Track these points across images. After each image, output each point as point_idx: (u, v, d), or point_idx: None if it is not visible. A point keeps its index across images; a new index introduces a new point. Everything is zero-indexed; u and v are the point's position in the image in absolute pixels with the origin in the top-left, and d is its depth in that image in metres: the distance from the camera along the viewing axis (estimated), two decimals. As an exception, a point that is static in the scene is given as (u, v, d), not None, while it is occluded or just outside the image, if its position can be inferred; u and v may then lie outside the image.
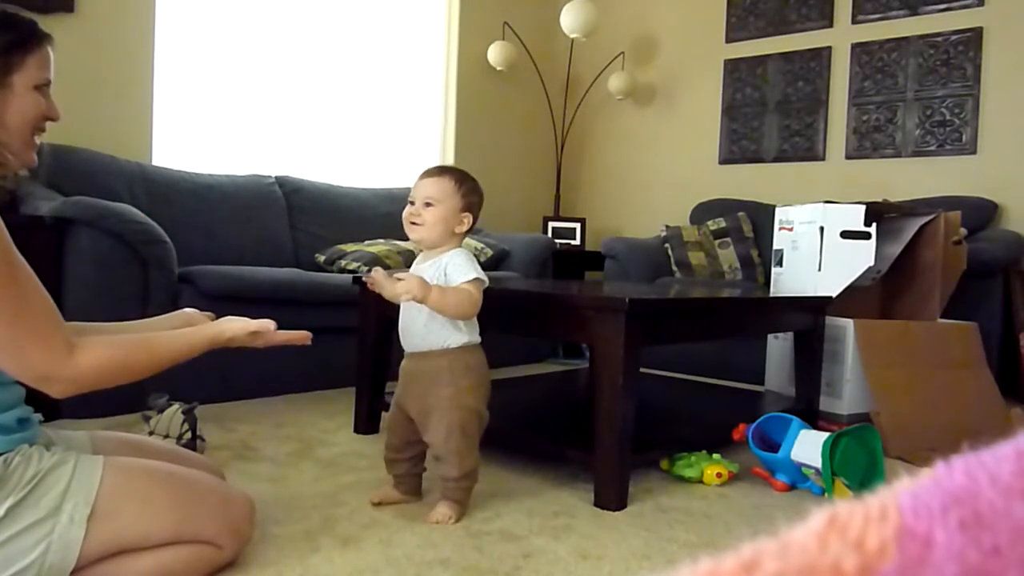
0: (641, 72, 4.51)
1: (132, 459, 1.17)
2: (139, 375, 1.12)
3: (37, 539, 1.01)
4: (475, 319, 1.53)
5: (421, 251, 1.57)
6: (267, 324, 1.25)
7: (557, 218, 4.40)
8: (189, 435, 1.73)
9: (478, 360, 1.54)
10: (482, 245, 3.51)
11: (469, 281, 1.46)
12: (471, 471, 1.50)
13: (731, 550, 0.22)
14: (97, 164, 2.65)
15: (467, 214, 1.52)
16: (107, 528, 1.05)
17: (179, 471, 1.19)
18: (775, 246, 2.74)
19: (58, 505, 1.03)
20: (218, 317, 1.32)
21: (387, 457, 1.60)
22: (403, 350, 1.56)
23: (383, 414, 2.21)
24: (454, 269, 1.48)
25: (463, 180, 1.52)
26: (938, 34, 3.52)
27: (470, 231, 1.55)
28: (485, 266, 3.49)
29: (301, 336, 1.31)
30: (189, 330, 1.21)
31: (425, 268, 1.51)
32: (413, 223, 1.50)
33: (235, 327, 1.23)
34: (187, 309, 1.39)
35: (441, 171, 1.54)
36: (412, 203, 1.51)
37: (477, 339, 1.54)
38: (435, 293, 1.41)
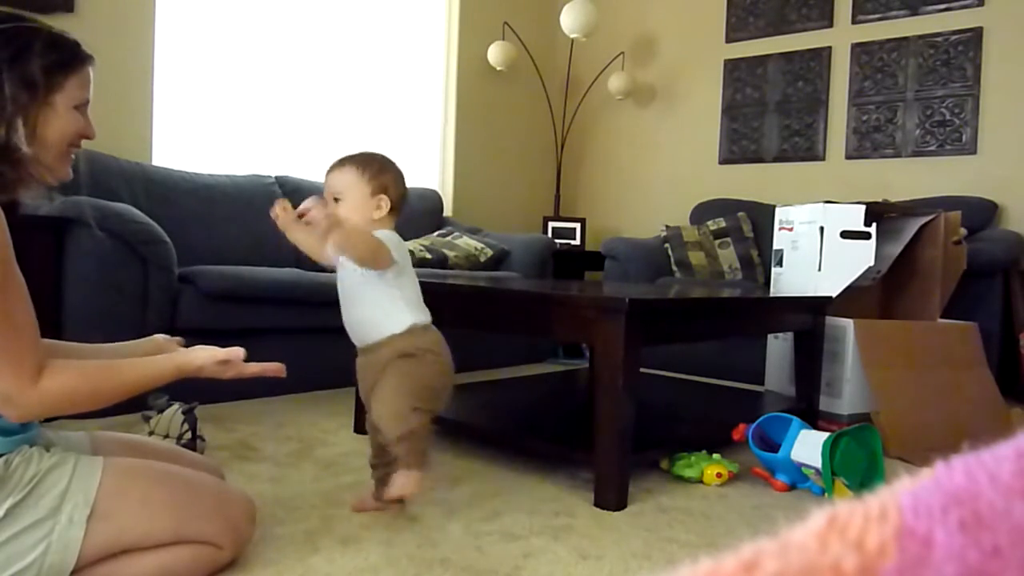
0: (641, 72, 4.51)
1: (132, 460, 1.17)
2: (105, 402, 1.10)
3: (37, 539, 1.01)
4: (421, 302, 1.49)
5: None
6: (237, 353, 1.21)
7: (557, 218, 4.40)
8: (189, 435, 1.73)
9: (429, 339, 1.46)
10: (482, 245, 3.51)
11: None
12: (414, 429, 1.39)
13: (731, 550, 0.22)
14: (97, 164, 2.65)
15: (381, 196, 1.44)
16: (107, 528, 1.05)
17: (179, 471, 1.19)
18: (775, 246, 2.74)
19: (58, 506, 1.03)
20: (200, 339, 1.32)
21: (370, 462, 1.57)
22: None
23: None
24: None
25: (366, 164, 1.45)
26: (938, 34, 3.52)
27: (395, 211, 1.48)
28: (485, 266, 3.53)
29: (275, 368, 1.27)
30: (158, 358, 1.18)
31: (346, 261, 1.45)
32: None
33: (203, 356, 1.19)
34: (157, 336, 1.36)
35: (341, 162, 1.46)
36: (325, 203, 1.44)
37: (425, 318, 1.48)
38: (342, 228, 1.32)
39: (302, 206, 1.33)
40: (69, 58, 1.10)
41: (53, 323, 2.13)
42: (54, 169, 1.12)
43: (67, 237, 2.20)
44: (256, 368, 1.25)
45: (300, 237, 1.45)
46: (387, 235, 1.42)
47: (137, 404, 1.85)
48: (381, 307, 1.44)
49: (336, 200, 1.44)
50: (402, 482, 1.40)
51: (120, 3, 2.90)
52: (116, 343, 1.33)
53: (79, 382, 1.06)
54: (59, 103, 1.09)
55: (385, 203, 1.45)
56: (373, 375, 1.45)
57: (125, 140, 2.92)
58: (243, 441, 2.01)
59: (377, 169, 1.45)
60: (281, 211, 1.42)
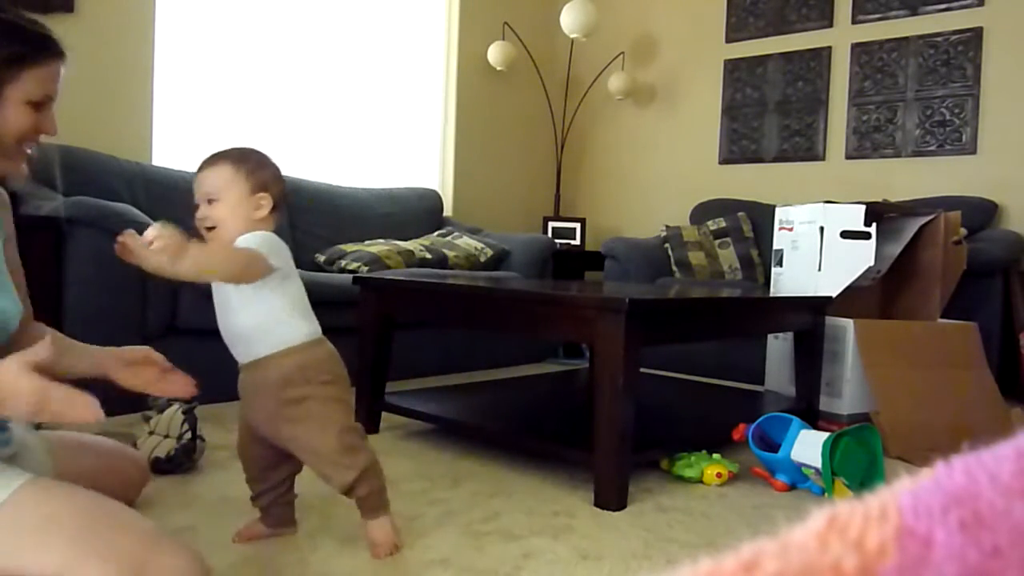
0: (641, 72, 4.51)
1: (51, 488, 1.01)
2: None
3: None
4: (309, 309, 1.34)
5: None
6: (42, 351, 0.95)
7: (557, 218, 4.40)
8: (189, 435, 1.73)
9: (327, 352, 1.32)
10: (482, 245, 3.51)
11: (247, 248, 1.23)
12: (368, 466, 1.27)
13: (731, 550, 0.22)
14: (97, 164, 2.65)
15: (262, 194, 1.29)
16: None
17: (92, 506, 1.01)
18: (775, 246, 2.74)
19: None
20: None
21: (250, 489, 1.37)
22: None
23: (382, 414, 2.21)
24: (237, 245, 1.25)
25: (242, 159, 1.30)
26: (938, 34, 3.52)
27: (277, 210, 1.32)
28: (485, 266, 3.53)
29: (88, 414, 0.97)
30: None
31: None
32: (207, 228, 1.28)
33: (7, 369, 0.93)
34: (138, 350, 1.25)
35: (213, 159, 1.30)
36: (197, 205, 1.29)
37: (318, 330, 1.33)
38: (194, 251, 1.12)
39: (146, 234, 1.10)
40: (29, 51, 1.03)
41: (53, 323, 2.13)
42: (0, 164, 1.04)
43: (67, 237, 2.20)
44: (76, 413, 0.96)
45: (156, 263, 1.16)
46: (262, 239, 1.25)
47: (137, 404, 1.85)
48: (265, 318, 1.26)
49: (210, 202, 1.27)
50: (380, 535, 1.29)
51: (120, 3, 2.90)
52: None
53: None
54: (10, 96, 1.02)
55: (267, 201, 1.30)
56: (269, 399, 1.26)
57: (125, 140, 2.92)
58: (243, 441, 2.01)
59: (255, 164, 1.31)
60: (129, 239, 1.15)
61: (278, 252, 1.27)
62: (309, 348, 1.29)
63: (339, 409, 1.28)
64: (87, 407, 0.97)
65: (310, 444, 1.26)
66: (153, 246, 1.10)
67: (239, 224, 1.27)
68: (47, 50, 1.06)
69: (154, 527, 1.03)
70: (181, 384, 1.25)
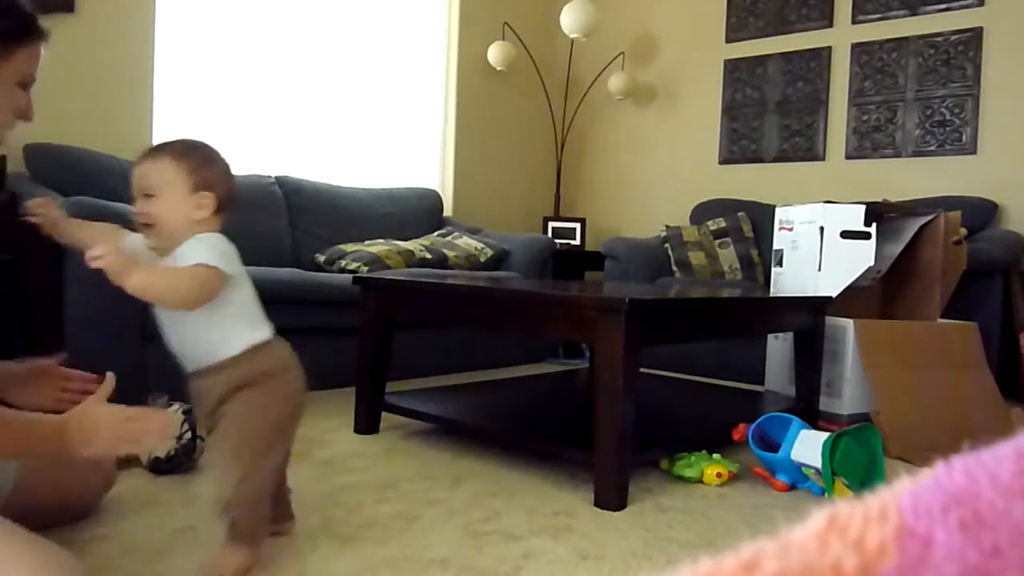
0: (641, 72, 4.51)
1: None
2: None
3: None
4: (259, 312, 1.26)
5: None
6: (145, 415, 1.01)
7: (557, 218, 4.40)
8: (189, 435, 1.73)
9: (274, 358, 1.23)
10: (482, 245, 3.51)
11: (198, 264, 1.13)
12: (253, 496, 1.17)
13: (731, 550, 0.22)
14: (97, 164, 2.65)
15: (204, 193, 1.19)
16: None
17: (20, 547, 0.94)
18: (775, 246, 2.74)
19: None
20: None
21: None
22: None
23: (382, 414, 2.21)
24: (183, 254, 1.15)
25: (185, 154, 1.20)
26: (938, 34, 3.52)
27: (222, 210, 1.23)
28: (485, 266, 3.53)
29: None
30: (43, 423, 0.95)
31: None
32: (145, 224, 1.19)
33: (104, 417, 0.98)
34: (40, 362, 1.17)
35: (154, 151, 1.21)
36: (134, 199, 1.21)
37: (265, 334, 1.24)
38: (140, 274, 1.06)
39: (88, 255, 1.03)
40: (23, 28, 1.00)
41: (54, 323, 2.13)
42: None
43: (67, 237, 2.20)
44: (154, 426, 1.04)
45: (80, 235, 1.15)
46: (211, 247, 1.16)
47: (138, 404, 1.85)
48: (212, 327, 1.19)
49: (148, 196, 1.18)
50: (225, 563, 1.16)
51: (120, 3, 2.90)
52: None
53: None
54: (2, 74, 0.99)
55: (209, 200, 1.19)
56: (210, 404, 1.21)
57: (125, 140, 2.92)
58: (243, 441, 2.01)
59: (199, 161, 1.21)
60: (43, 205, 1.13)
61: (229, 259, 1.19)
62: (255, 356, 1.20)
63: (259, 427, 1.18)
64: (162, 422, 1.01)
65: (217, 446, 1.19)
66: (94, 264, 1.02)
67: (178, 224, 1.18)
68: (37, 28, 1.03)
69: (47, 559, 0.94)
70: (98, 394, 1.11)
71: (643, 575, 1.28)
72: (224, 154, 1.26)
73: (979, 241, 2.96)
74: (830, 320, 2.40)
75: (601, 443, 1.62)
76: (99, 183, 2.60)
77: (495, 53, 4.22)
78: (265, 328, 1.25)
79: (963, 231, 2.68)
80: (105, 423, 0.96)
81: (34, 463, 1.25)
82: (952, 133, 3.49)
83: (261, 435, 1.19)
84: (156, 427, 1.03)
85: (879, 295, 2.72)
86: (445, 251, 3.36)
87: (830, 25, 3.84)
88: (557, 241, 4.10)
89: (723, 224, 3.83)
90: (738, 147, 4.15)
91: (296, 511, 1.42)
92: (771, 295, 2.53)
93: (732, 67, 4.16)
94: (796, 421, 1.82)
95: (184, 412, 1.74)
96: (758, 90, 4.07)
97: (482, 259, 3.46)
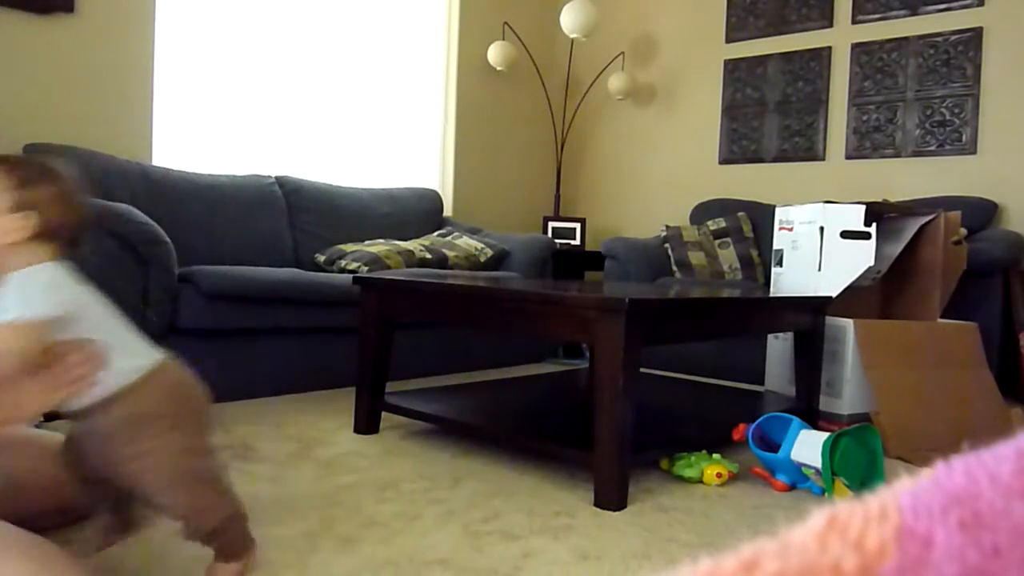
0: (641, 72, 4.51)
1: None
2: None
3: None
4: (131, 338, 1.12)
5: None
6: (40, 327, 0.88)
7: (557, 218, 4.40)
8: (189, 435, 1.73)
9: (167, 388, 1.09)
10: (482, 245, 3.51)
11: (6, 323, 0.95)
12: (231, 515, 1.11)
13: (731, 550, 0.22)
14: (97, 164, 2.65)
15: (26, 213, 1.00)
16: None
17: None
18: (775, 246, 2.74)
19: None
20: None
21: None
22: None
23: (382, 414, 2.21)
24: (7, 305, 0.97)
25: (13, 168, 1.03)
26: (938, 34, 3.52)
27: (59, 239, 1.06)
28: (485, 266, 3.53)
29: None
30: None
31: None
32: None
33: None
34: None
35: None
36: None
37: (153, 359, 1.10)
38: None
39: None
40: None
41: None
42: None
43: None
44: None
45: None
46: (37, 301, 0.98)
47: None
48: None
49: None
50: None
51: (120, 3, 2.90)
52: None
53: None
54: None
55: (30, 223, 1.01)
56: (101, 445, 1.06)
57: (125, 140, 2.92)
58: (243, 441, 2.01)
59: (29, 176, 1.03)
60: None
61: (54, 291, 1.01)
62: (141, 388, 1.06)
63: (181, 462, 1.07)
64: (86, 355, 0.94)
65: (158, 496, 1.07)
66: None
67: None
68: None
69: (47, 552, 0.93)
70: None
71: (643, 575, 1.28)
72: (81, 181, 1.11)
73: (979, 241, 2.96)
74: (830, 320, 2.40)
75: (601, 443, 1.62)
76: (99, 183, 2.60)
77: (495, 53, 4.22)
78: (138, 358, 1.09)
79: (963, 231, 2.68)
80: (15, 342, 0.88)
81: (24, 461, 1.25)
82: (952, 133, 3.49)
83: (195, 457, 1.10)
84: (78, 369, 0.94)
85: (879, 295, 2.72)
86: (445, 251, 3.36)
87: (830, 25, 3.84)
88: (557, 241, 4.10)
89: (723, 224, 3.83)
90: (738, 147, 4.15)
91: (296, 511, 1.42)
92: (771, 295, 2.52)
93: (732, 67, 4.16)
94: (796, 421, 1.82)
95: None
96: (758, 90, 4.07)
97: (482, 259, 3.46)
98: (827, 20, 3.84)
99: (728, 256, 3.75)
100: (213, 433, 1.17)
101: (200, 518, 1.08)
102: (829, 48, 3.84)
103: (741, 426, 1.89)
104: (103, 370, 1.03)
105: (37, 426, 1.25)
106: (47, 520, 1.27)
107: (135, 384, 1.06)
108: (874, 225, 2.49)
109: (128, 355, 1.08)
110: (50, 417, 1.28)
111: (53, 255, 1.05)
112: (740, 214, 3.85)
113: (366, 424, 2.15)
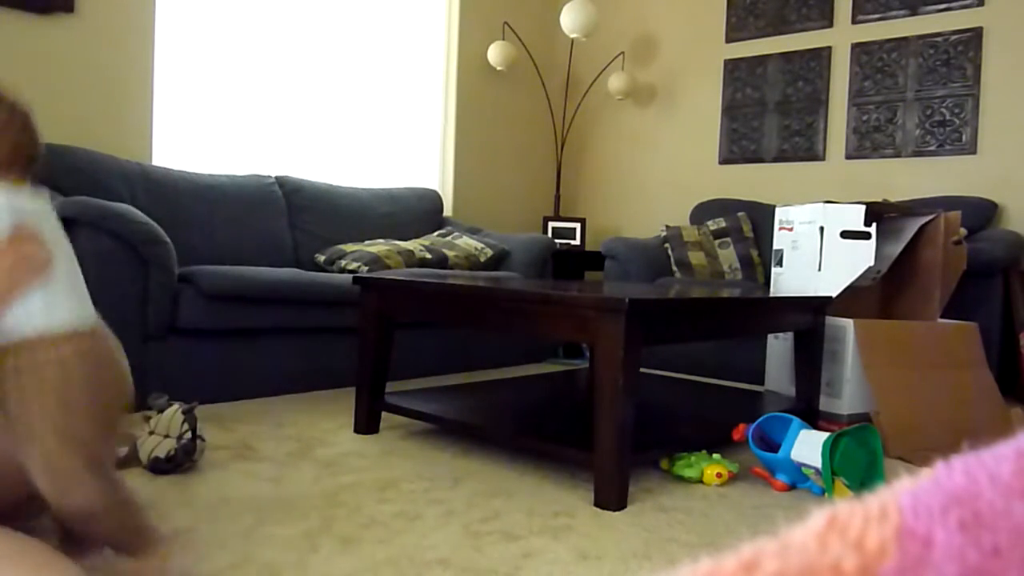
0: (641, 72, 4.51)
1: None
2: None
3: None
4: (81, 284, 1.04)
5: None
6: None
7: (557, 218, 4.40)
8: (189, 435, 1.73)
9: (98, 352, 1.02)
10: (482, 245, 3.51)
11: None
12: (110, 504, 1.01)
13: (731, 550, 0.22)
14: (97, 164, 2.65)
15: None
16: None
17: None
18: (775, 246, 2.74)
19: None
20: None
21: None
22: None
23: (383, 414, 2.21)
24: None
25: None
26: (938, 34, 3.52)
27: (15, 166, 1.01)
28: (485, 266, 3.53)
29: None
30: None
31: None
32: None
33: None
34: None
35: None
36: None
37: (84, 317, 1.01)
38: None
39: None
40: None
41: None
42: None
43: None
44: None
45: None
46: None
47: (137, 404, 1.85)
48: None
49: None
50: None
51: (120, 3, 2.90)
52: None
53: None
54: None
55: None
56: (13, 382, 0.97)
57: (125, 140, 2.92)
58: (243, 441, 2.01)
59: None
60: None
61: (16, 217, 0.96)
62: (54, 345, 0.98)
63: (68, 436, 0.98)
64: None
65: (33, 468, 0.98)
66: None
67: None
68: None
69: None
70: None
71: (643, 575, 1.28)
72: (29, 108, 1.05)
73: (979, 241, 2.96)
74: (830, 320, 2.40)
75: (601, 443, 1.62)
76: (99, 183, 2.60)
77: (495, 53, 4.22)
78: (73, 309, 1.02)
79: (963, 231, 2.68)
80: None
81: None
82: (952, 133, 3.49)
83: (100, 417, 1.04)
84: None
85: (879, 295, 2.72)
86: (445, 251, 3.36)
87: (830, 25, 3.84)
88: (557, 241, 4.10)
89: (723, 224, 3.83)
90: (738, 147, 4.15)
91: (296, 511, 1.42)
92: (771, 295, 2.52)
93: (732, 67, 4.16)
94: (796, 421, 1.82)
95: (184, 412, 1.74)
96: (758, 90, 4.07)
97: (482, 259, 3.46)
98: (827, 20, 3.84)
99: (728, 256, 3.75)
100: (123, 421, 1.10)
101: (65, 485, 0.97)
102: (829, 48, 3.84)
103: (741, 426, 1.89)
104: (48, 283, 0.96)
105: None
106: (33, 507, 1.25)
107: (72, 333, 0.99)
108: (874, 225, 2.49)
109: (64, 295, 1.00)
110: None
111: (9, 182, 0.99)
112: (740, 214, 3.85)
113: (366, 424, 2.15)
